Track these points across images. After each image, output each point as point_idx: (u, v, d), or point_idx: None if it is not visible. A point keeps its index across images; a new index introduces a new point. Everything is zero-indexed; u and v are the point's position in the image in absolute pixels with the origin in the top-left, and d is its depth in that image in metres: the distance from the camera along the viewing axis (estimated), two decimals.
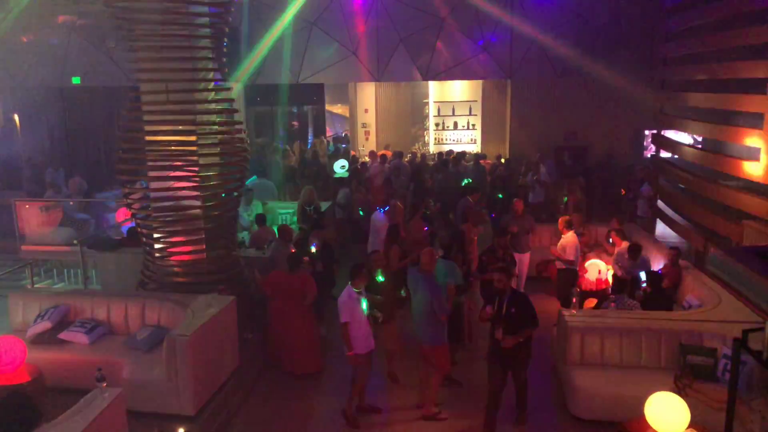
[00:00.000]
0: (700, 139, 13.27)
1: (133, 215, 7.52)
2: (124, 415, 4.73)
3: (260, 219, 9.52)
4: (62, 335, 6.60)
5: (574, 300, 7.48)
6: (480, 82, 17.48)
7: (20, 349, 5.89)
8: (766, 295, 2.23)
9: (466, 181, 12.77)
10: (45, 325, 6.63)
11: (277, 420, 6.43)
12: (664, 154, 12.30)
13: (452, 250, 7.27)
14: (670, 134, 12.18)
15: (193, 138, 6.98)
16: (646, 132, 15.60)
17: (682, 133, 12.28)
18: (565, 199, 11.90)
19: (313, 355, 7.28)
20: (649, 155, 15.03)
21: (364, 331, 6.09)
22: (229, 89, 7.79)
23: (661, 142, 11.81)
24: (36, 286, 9.65)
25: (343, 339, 6.03)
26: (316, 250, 8.39)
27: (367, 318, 6.17)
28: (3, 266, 11.15)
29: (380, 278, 6.88)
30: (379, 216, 9.65)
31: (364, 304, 6.11)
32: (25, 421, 4.05)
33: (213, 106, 7.31)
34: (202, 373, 5.94)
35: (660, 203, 11.54)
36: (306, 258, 8.00)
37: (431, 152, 17.68)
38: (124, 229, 10.35)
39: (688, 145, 11.37)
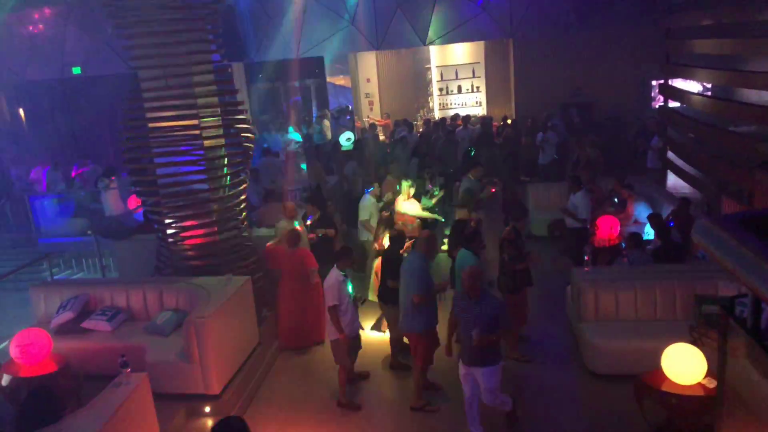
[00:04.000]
0: (709, 86, 13.03)
1: (143, 202, 7.57)
2: (150, 399, 4.86)
3: (267, 196, 9.53)
4: (85, 324, 6.74)
5: (586, 258, 7.48)
6: (482, 43, 17.22)
7: (46, 340, 6.03)
8: (748, 265, 2.18)
9: (471, 150, 12.59)
10: (67, 315, 6.77)
11: (299, 394, 6.56)
12: (673, 104, 12.10)
13: (476, 239, 6.61)
14: (678, 83, 11.96)
15: (195, 122, 6.97)
16: (654, 82, 15.34)
17: (691, 82, 12.04)
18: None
19: (320, 325, 7.35)
20: (657, 106, 14.81)
21: (350, 314, 6.06)
22: (228, 69, 7.75)
23: (669, 92, 11.61)
24: (55, 277, 9.82)
25: (332, 323, 5.96)
26: (311, 223, 8.46)
27: (353, 301, 6.15)
28: (22, 259, 11.36)
29: None
30: (365, 199, 9.08)
31: (350, 287, 6.09)
32: (48, 415, 4.18)
33: (213, 87, 7.27)
34: (223, 352, 6.06)
35: (670, 154, 11.41)
36: (312, 235, 8.10)
37: (436, 118, 17.55)
38: (137, 216, 10.45)
39: (697, 94, 11.16)
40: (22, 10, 15.19)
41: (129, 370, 4.77)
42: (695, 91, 12.06)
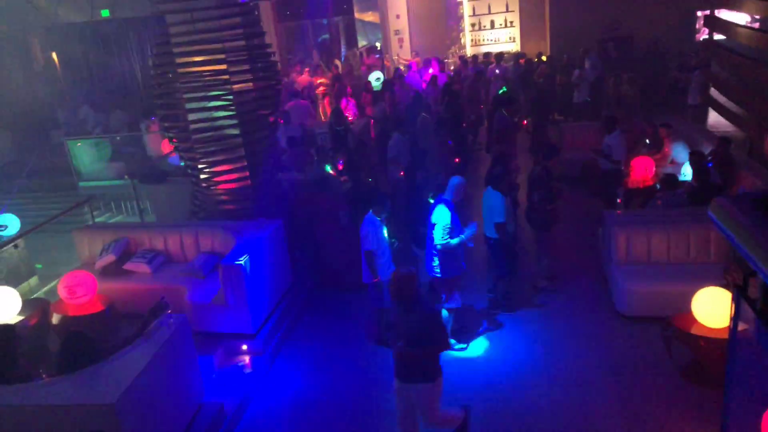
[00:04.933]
0: (757, 17, 12.28)
1: (175, 148, 7.69)
2: (190, 338, 5.09)
3: (292, 141, 9.53)
4: (126, 266, 7.03)
5: (619, 200, 7.38)
6: None
7: (91, 281, 6.35)
8: (758, 247, 2.10)
9: (503, 89, 12.31)
10: (110, 257, 7.06)
11: (334, 333, 6.79)
12: (718, 37, 11.49)
13: (502, 179, 6.49)
14: (725, 14, 11.29)
15: (223, 66, 6.96)
16: (699, 13, 14.54)
17: (739, 13, 11.35)
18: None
19: (356, 270, 7.46)
20: (701, 39, 14.10)
21: (386, 257, 6.17)
22: (255, 12, 7.64)
23: (715, 24, 11.00)
24: (96, 220, 10.16)
25: (369, 266, 6.07)
26: (341, 168, 8.50)
27: (388, 244, 6.21)
28: (64, 203, 11.74)
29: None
30: (395, 138, 9.07)
31: (385, 232, 6.15)
32: (85, 356, 4.43)
33: (240, 31, 7.18)
34: (258, 293, 6.27)
35: (712, 90, 10.94)
36: (344, 178, 8.14)
37: (468, 54, 17.09)
38: (172, 159, 10.63)
39: (744, 26, 10.55)
40: None
41: (169, 311, 4.99)
42: (742, 23, 11.39)
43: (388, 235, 6.27)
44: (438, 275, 6.03)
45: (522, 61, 14.99)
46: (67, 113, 15.58)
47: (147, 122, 12.05)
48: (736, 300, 2.64)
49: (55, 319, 6.15)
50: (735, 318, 2.68)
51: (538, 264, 7.19)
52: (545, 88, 13.16)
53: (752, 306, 2.38)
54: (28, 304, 6.26)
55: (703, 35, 13.59)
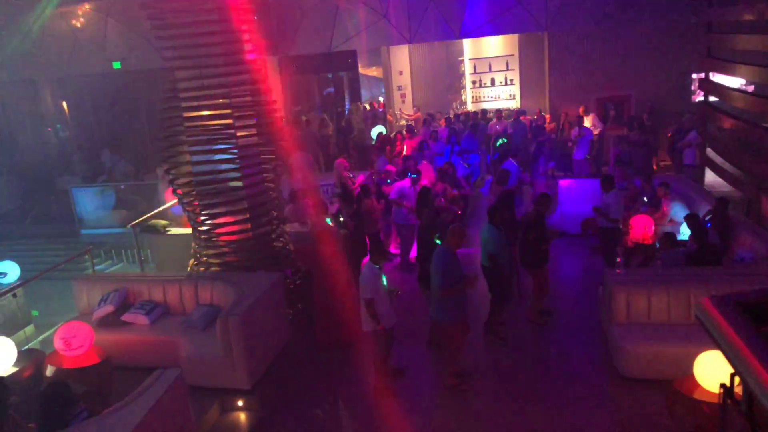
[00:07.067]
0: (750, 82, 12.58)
1: (179, 199, 7.76)
2: (185, 394, 5.02)
3: (292, 195, 9.62)
4: (124, 317, 6.99)
5: (619, 259, 7.40)
6: (516, 35, 16.98)
7: (87, 333, 6.29)
8: (739, 353, 2.10)
9: (501, 141, 12.55)
10: (108, 308, 7.03)
11: (331, 389, 6.68)
12: (713, 99, 11.75)
13: (497, 214, 7.17)
14: (719, 78, 11.58)
15: (229, 121, 7.11)
16: (694, 75, 14.92)
17: (732, 78, 11.65)
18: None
19: (352, 324, 7.41)
20: (696, 100, 14.41)
21: (386, 307, 6.13)
22: (261, 65, 7.85)
23: (709, 87, 11.27)
24: (96, 268, 10.16)
25: (369, 315, 6.04)
26: (345, 221, 8.64)
27: (387, 293, 6.18)
28: (65, 249, 11.78)
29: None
30: (404, 185, 9.53)
31: (384, 280, 6.15)
32: (60, 411, 4.35)
33: (247, 86, 7.37)
34: (255, 348, 6.21)
35: (708, 151, 11.11)
36: (344, 231, 8.21)
37: (470, 110, 17.44)
38: (174, 210, 10.69)
39: (737, 90, 10.81)
40: (66, 5, 15.59)
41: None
42: (736, 86, 11.69)
43: (389, 283, 6.31)
44: (444, 320, 6.14)
45: (522, 118, 15.27)
46: (81, 157, 15.83)
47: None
48: (723, 399, 2.60)
49: (48, 371, 6.06)
50: (722, 417, 2.63)
51: (533, 299, 7.70)
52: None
53: (738, 407, 2.34)
54: (22, 355, 6.19)
55: (699, 96, 13.90)
